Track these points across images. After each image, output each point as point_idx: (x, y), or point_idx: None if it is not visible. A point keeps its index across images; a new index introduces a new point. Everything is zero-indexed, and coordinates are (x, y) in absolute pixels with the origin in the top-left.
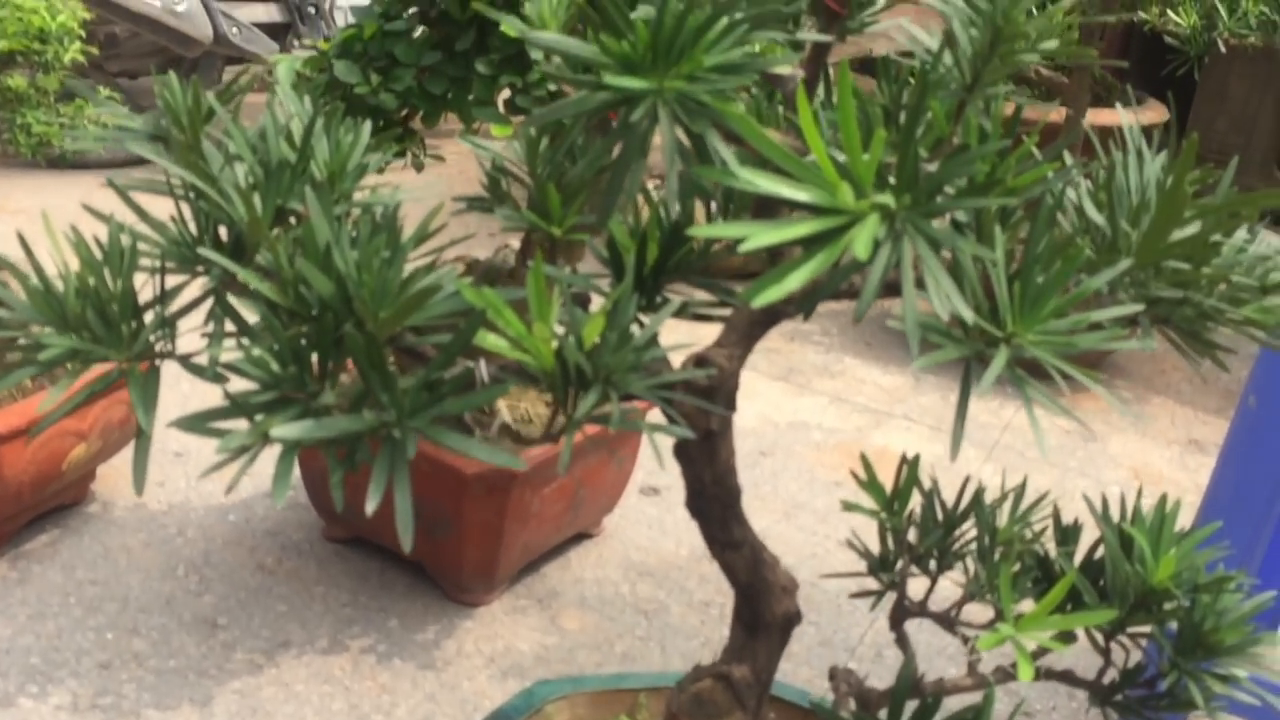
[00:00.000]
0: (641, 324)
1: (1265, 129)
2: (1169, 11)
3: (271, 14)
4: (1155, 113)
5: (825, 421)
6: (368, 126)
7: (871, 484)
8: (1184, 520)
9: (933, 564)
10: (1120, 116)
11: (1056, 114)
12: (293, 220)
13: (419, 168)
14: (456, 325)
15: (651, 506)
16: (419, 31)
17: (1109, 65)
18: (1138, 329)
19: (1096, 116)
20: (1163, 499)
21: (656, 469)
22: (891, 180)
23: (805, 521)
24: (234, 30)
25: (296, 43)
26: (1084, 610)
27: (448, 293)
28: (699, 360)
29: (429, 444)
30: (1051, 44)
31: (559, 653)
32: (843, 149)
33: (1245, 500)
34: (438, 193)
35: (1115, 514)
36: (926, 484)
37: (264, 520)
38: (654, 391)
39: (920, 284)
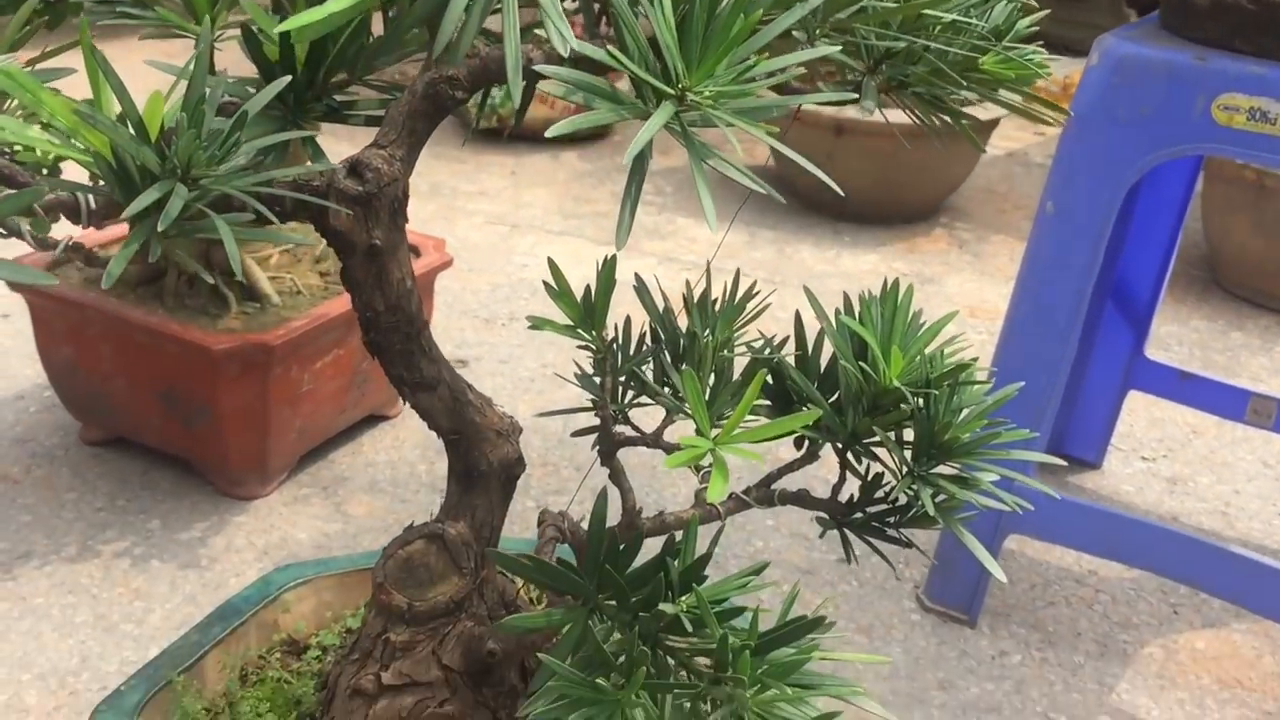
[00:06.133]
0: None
1: None
2: None
3: None
4: None
5: (652, 282)
6: None
7: (561, 294)
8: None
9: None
10: None
11: None
12: None
13: None
14: None
15: None
16: None
17: None
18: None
19: None
20: (894, 287)
21: (465, 340)
22: None
23: None
24: None
25: None
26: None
27: None
28: (353, 166)
29: (176, 323)
30: None
31: (341, 539)
32: None
33: (1048, 310)
34: None
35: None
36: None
37: (13, 427)
38: (258, 191)
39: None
